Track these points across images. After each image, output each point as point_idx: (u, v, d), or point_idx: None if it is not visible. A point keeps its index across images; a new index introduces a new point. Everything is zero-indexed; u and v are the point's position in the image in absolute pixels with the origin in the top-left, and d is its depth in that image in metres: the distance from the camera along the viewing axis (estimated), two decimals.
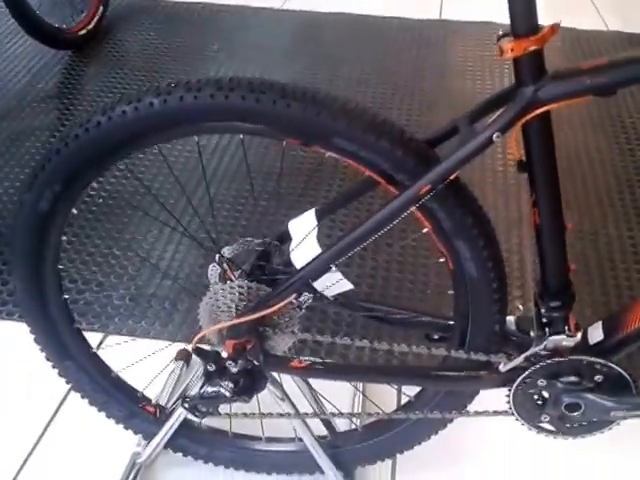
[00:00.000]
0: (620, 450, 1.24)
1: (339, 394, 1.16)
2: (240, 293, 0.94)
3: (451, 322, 0.98)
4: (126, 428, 1.15)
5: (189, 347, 1.36)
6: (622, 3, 2.84)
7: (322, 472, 1.15)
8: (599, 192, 1.86)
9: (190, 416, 1.01)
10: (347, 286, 0.99)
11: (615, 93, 0.76)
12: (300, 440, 1.14)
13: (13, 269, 0.95)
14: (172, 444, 1.16)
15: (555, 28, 0.73)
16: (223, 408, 1.01)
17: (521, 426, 0.98)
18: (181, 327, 1.45)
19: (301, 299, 0.98)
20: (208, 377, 0.95)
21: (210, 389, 0.99)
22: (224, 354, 0.95)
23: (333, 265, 0.94)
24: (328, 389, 1.12)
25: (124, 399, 1.11)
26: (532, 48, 0.73)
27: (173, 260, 1.61)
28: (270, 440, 1.16)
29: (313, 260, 0.87)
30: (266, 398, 1.05)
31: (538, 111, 0.76)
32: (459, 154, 0.77)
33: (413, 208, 0.82)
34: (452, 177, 0.79)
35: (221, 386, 0.94)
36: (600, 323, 0.94)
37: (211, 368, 0.94)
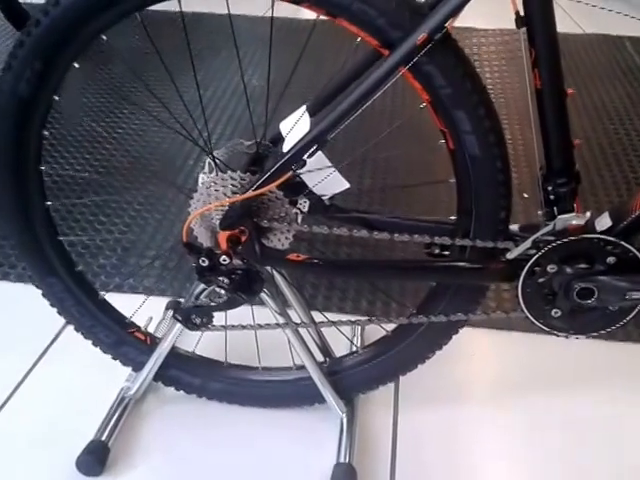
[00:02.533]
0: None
1: None
2: (233, 185, 0.89)
3: (453, 218, 0.94)
4: (114, 357, 1.08)
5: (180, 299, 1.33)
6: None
7: (321, 402, 1.08)
8: (587, 166, 1.87)
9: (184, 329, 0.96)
10: (343, 185, 0.95)
11: None
12: (298, 368, 1.08)
13: None
14: (163, 376, 1.09)
15: None
16: (217, 321, 0.96)
17: (532, 325, 0.94)
18: (172, 284, 1.40)
19: (299, 205, 0.94)
20: (201, 274, 0.89)
21: (205, 294, 0.95)
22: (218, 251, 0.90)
23: (332, 164, 0.91)
24: None
25: (112, 324, 1.05)
26: None
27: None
28: (267, 369, 1.10)
29: (305, 135, 0.83)
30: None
31: None
32: None
33: (405, 70, 0.79)
34: (449, 26, 0.77)
35: (216, 282, 0.89)
36: (606, 213, 0.91)
37: (204, 263, 0.89)
